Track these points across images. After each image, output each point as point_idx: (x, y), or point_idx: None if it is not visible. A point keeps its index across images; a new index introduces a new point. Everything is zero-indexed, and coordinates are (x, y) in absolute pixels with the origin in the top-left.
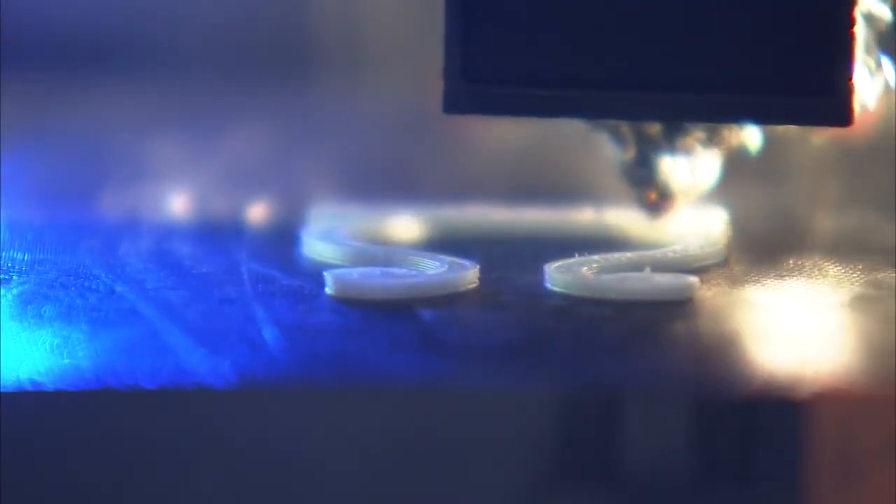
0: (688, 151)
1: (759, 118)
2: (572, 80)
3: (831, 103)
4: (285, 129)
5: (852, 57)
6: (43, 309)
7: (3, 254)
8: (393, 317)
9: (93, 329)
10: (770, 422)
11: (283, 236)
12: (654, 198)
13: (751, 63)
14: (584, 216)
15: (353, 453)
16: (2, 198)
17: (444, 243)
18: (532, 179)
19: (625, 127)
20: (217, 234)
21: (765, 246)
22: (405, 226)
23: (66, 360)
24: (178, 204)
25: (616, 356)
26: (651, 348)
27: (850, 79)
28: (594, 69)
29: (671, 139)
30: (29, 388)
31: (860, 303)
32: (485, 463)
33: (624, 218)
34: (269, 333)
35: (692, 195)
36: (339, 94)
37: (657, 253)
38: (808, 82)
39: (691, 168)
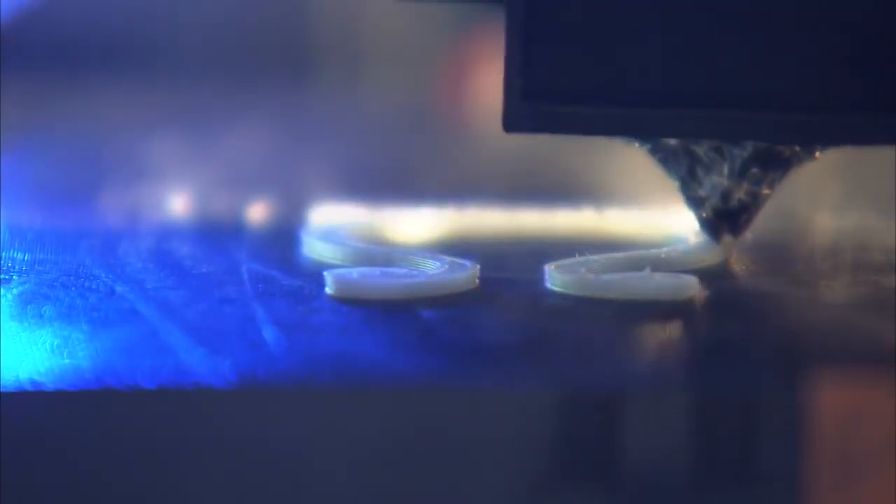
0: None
1: (839, 138)
2: (632, 99)
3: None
4: (285, 129)
5: None
6: (43, 309)
7: (3, 254)
8: (393, 317)
9: (93, 329)
10: (770, 422)
11: (283, 236)
12: (710, 218)
13: (828, 81)
14: (584, 216)
15: (353, 453)
16: (2, 198)
17: (444, 243)
18: (532, 179)
19: (679, 148)
20: (217, 234)
21: (765, 245)
22: (405, 225)
23: (66, 360)
24: (178, 204)
25: (616, 356)
26: (651, 348)
27: None
28: (655, 87)
29: (725, 159)
30: (29, 388)
31: (860, 302)
32: (485, 463)
33: (624, 218)
34: (269, 333)
35: (754, 213)
36: (340, 94)
37: (657, 253)
38: (872, 100)
39: (750, 185)
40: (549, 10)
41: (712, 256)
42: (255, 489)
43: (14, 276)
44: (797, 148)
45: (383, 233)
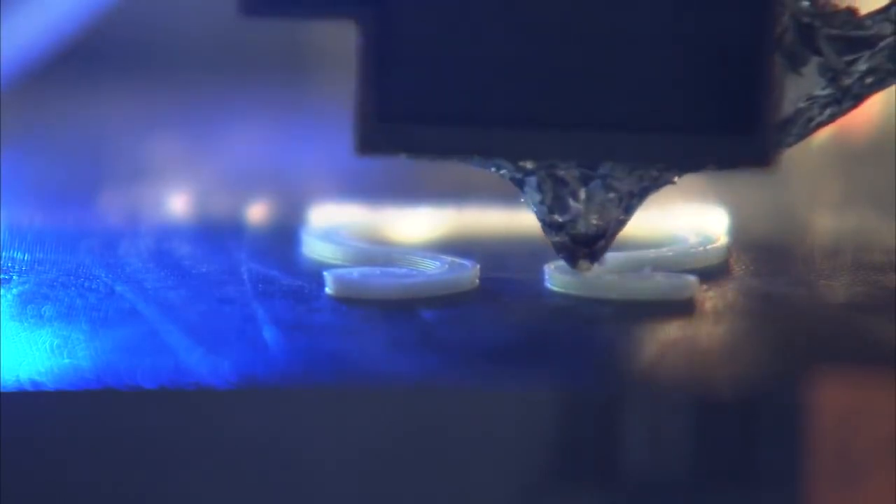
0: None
1: (675, 158)
2: (489, 120)
3: (751, 142)
4: (285, 129)
5: (772, 95)
6: (43, 309)
7: (3, 254)
8: (393, 317)
9: (93, 329)
10: (770, 422)
11: (283, 236)
12: (567, 243)
13: (668, 101)
14: None
15: (352, 453)
16: (2, 198)
17: (444, 243)
18: None
19: (541, 172)
20: (217, 234)
21: (765, 246)
22: (405, 225)
23: (66, 360)
24: (178, 204)
25: (616, 356)
26: (651, 348)
27: (770, 117)
28: (511, 109)
29: (583, 184)
30: (29, 388)
31: (860, 302)
32: (485, 463)
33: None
34: (269, 333)
35: (611, 239)
36: (340, 94)
37: (657, 253)
38: (727, 121)
39: (613, 208)
40: (402, 30)
41: (713, 256)
42: (255, 489)
43: (14, 276)
44: (654, 172)
45: (383, 233)
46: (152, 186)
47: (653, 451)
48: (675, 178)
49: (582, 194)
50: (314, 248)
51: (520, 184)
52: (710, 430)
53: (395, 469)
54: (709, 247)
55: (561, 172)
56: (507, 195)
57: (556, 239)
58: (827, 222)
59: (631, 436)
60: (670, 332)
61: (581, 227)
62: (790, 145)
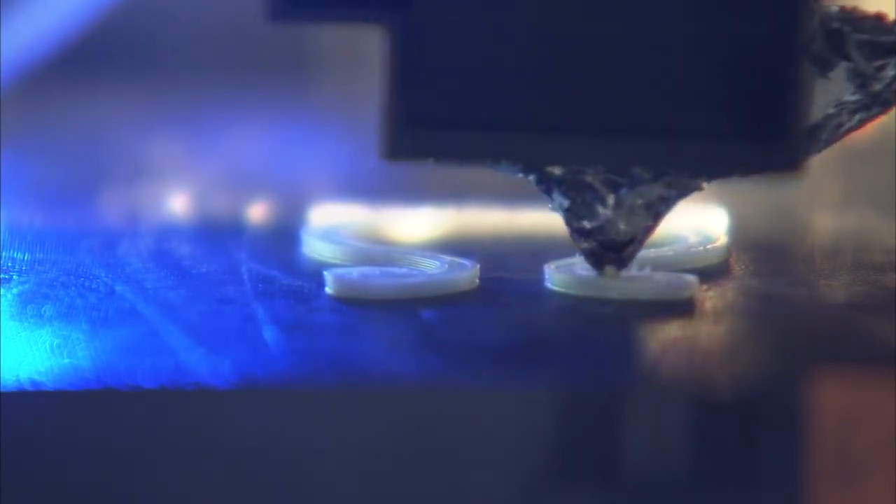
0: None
1: (704, 164)
2: (517, 125)
3: (780, 148)
4: (285, 129)
5: (801, 101)
6: (43, 309)
7: (3, 254)
8: (393, 317)
9: (93, 329)
10: (770, 422)
11: (283, 236)
12: (596, 250)
13: (696, 107)
14: None
15: (352, 453)
16: (2, 198)
17: (444, 243)
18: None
19: (569, 178)
20: (217, 234)
21: (765, 245)
22: (405, 225)
23: (66, 360)
24: (178, 204)
25: (616, 356)
26: (651, 348)
27: (800, 123)
28: (540, 115)
29: (612, 190)
30: (29, 388)
31: (860, 302)
32: (485, 463)
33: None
34: (269, 333)
35: (639, 245)
36: (339, 94)
37: (657, 253)
38: (756, 127)
39: (641, 214)
40: (430, 37)
41: (713, 256)
42: (255, 489)
43: (14, 276)
44: (683, 178)
45: (383, 233)
46: (152, 186)
47: (653, 451)
48: (704, 184)
49: (610, 200)
50: (314, 247)
51: (547, 189)
52: (710, 430)
53: (395, 469)
54: (709, 247)
55: (589, 178)
56: (508, 195)
57: (585, 245)
58: (827, 222)
59: (631, 436)
60: (670, 332)
61: (609, 234)
62: (819, 151)
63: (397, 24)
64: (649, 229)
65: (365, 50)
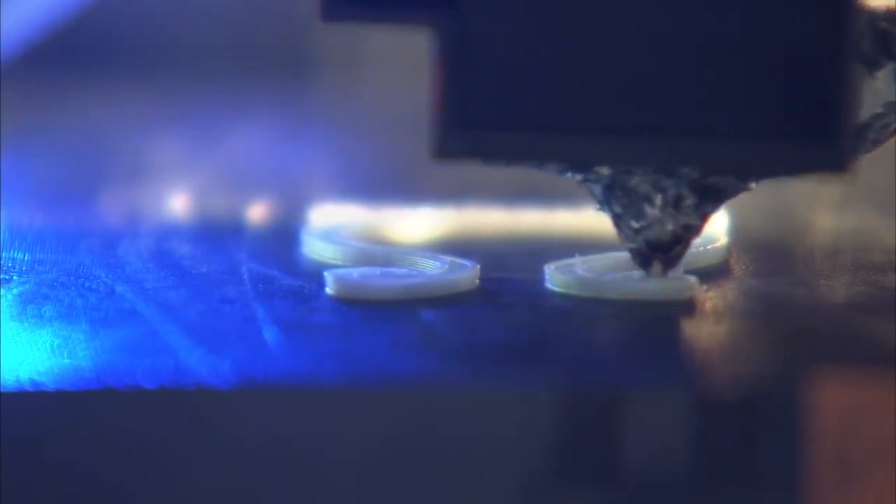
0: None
1: (752, 165)
2: (566, 126)
3: (829, 149)
4: (285, 129)
5: (850, 101)
6: (43, 309)
7: (4, 254)
8: (393, 317)
9: (93, 329)
10: (770, 422)
11: (283, 236)
12: (643, 250)
13: (745, 108)
14: (584, 216)
15: (353, 453)
16: (2, 198)
17: (444, 243)
18: (532, 179)
19: (617, 178)
20: (217, 234)
21: (765, 245)
22: (405, 225)
23: (66, 360)
24: (178, 204)
25: (616, 356)
26: (651, 348)
27: (848, 124)
28: (588, 115)
29: (659, 190)
30: (29, 388)
31: (860, 302)
32: (485, 463)
33: None
34: (269, 334)
35: (686, 245)
36: (340, 94)
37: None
38: (804, 127)
39: (683, 217)
40: (478, 37)
41: (713, 256)
42: (255, 489)
43: (14, 276)
44: (731, 178)
45: (383, 233)
46: (152, 186)
47: (653, 451)
48: (753, 185)
49: (658, 200)
50: (314, 248)
51: (595, 190)
52: (710, 430)
53: (395, 469)
54: (709, 247)
55: (636, 179)
56: (508, 195)
57: (632, 245)
58: (827, 222)
59: (631, 436)
60: (670, 332)
61: (656, 234)
62: (867, 151)
63: (446, 25)
64: (696, 229)
65: (365, 48)
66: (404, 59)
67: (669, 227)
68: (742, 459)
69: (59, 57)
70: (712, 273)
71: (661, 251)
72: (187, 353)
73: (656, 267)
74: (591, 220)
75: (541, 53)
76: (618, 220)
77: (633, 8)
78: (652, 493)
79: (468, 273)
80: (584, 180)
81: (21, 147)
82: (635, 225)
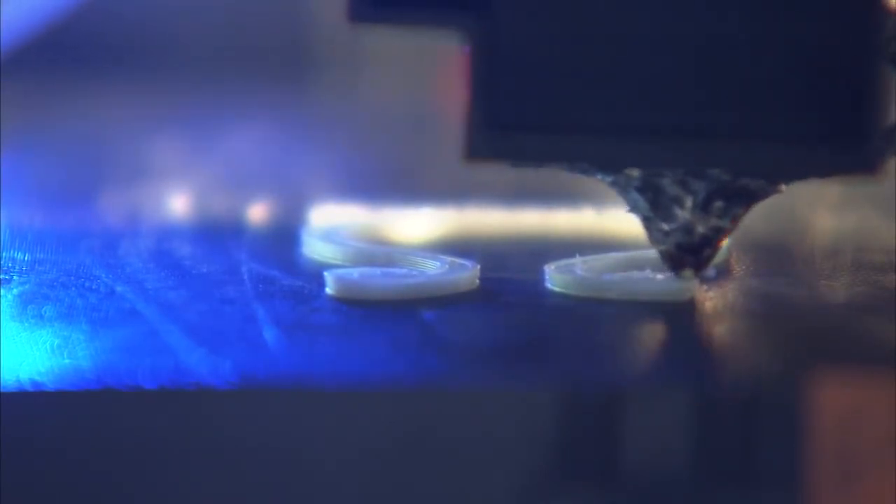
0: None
1: (781, 166)
2: (596, 128)
3: (858, 151)
4: (285, 129)
5: (879, 103)
6: (43, 309)
7: (4, 254)
8: (393, 317)
9: (93, 329)
10: (770, 422)
11: (283, 236)
12: (673, 252)
13: (774, 109)
14: (584, 216)
15: (352, 453)
16: (2, 198)
17: (444, 243)
18: (532, 179)
19: (647, 181)
20: (217, 234)
21: (765, 245)
22: (405, 225)
23: (66, 360)
24: (178, 204)
25: (616, 356)
26: (651, 348)
27: (878, 126)
28: (618, 118)
29: (689, 192)
30: (29, 388)
31: (860, 303)
32: (485, 463)
33: (624, 218)
34: (269, 334)
35: (717, 247)
36: (340, 94)
37: (657, 253)
38: (834, 129)
39: (713, 219)
40: (510, 39)
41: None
42: (255, 489)
43: (14, 276)
44: (761, 181)
45: (383, 233)
46: (152, 186)
47: (653, 451)
48: (782, 187)
49: (688, 203)
50: (314, 248)
51: (625, 192)
52: (710, 429)
53: (395, 469)
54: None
55: (666, 181)
56: (508, 195)
57: (662, 247)
58: (827, 222)
59: (631, 436)
60: (670, 332)
61: (686, 236)
62: None
63: (477, 27)
64: (726, 232)
65: (365, 49)
66: (405, 60)
67: (699, 229)
68: (742, 459)
69: (59, 57)
70: (713, 273)
71: (691, 253)
72: (187, 354)
73: (687, 272)
74: (592, 220)
75: (571, 55)
76: (647, 222)
77: (664, 10)
78: (652, 493)
79: (468, 273)
80: (614, 182)
81: (21, 147)
82: (665, 227)
